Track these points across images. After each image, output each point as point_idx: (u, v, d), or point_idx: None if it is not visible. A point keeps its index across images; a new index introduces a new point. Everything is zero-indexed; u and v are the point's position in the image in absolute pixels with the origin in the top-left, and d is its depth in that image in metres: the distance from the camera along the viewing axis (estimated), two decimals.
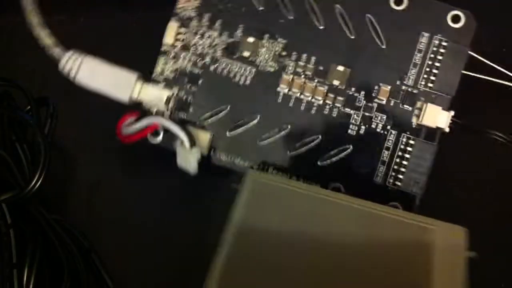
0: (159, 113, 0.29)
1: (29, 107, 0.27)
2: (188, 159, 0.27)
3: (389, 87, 0.28)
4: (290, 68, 0.28)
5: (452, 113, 0.28)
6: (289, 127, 0.28)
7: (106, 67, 0.28)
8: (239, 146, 0.29)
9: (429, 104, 0.28)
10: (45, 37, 0.29)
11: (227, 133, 0.29)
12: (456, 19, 0.28)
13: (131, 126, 0.28)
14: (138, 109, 0.29)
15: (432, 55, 0.28)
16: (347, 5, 0.28)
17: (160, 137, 0.28)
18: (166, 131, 0.28)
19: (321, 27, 0.28)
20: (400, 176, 0.28)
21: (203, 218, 0.29)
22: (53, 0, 0.30)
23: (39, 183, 0.26)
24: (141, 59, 0.29)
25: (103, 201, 0.30)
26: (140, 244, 0.29)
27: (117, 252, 0.28)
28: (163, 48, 0.29)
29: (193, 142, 0.27)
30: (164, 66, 0.29)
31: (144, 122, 0.27)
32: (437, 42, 0.28)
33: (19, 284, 0.25)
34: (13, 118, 0.28)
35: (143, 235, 0.29)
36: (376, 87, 0.28)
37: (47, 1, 0.29)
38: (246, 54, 0.28)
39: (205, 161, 0.28)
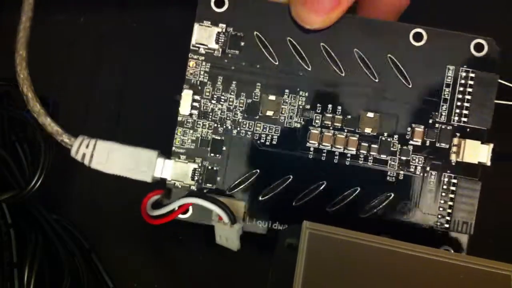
0: (185, 188, 0.27)
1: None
2: (230, 237, 0.25)
3: (422, 127, 0.27)
4: (317, 121, 0.27)
5: (492, 145, 0.27)
6: (324, 183, 0.27)
7: (122, 149, 0.26)
8: (274, 210, 0.27)
9: (467, 140, 0.26)
10: (50, 125, 0.27)
11: (260, 198, 0.27)
12: (479, 47, 0.27)
13: (160, 208, 0.26)
14: (162, 185, 0.27)
15: (461, 88, 0.27)
16: (366, 48, 0.27)
17: (189, 213, 0.27)
18: (197, 206, 0.26)
19: (343, 74, 0.27)
20: (448, 218, 0.27)
21: None
22: (53, 0, 0.30)
23: (39, 183, 0.26)
24: (140, 60, 0.29)
25: (103, 201, 0.29)
26: (140, 244, 0.29)
27: (117, 252, 0.28)
28: (180, 119, 0.27)
29: (234, 218, 0.25)
30: (183, 137, 0.27)
31: (176, 204, 0.25)
32: (464, 74, 0.27)
33: (20, 284, 0.25)
34: (13, 118, 0.28)
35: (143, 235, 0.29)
36: (409, 129, 0.27)
37: (47, 1, 0.29)
38: (269, 113, 0.27)
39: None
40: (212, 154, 0.27)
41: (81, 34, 0.31)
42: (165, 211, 0.26)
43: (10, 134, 0.28)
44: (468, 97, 0.27)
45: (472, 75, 0.27)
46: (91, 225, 0.29)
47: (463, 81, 0.27)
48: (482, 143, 0.27)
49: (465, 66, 0.27)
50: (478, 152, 0.26)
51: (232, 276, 0.29)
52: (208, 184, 0.27)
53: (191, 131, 0.27)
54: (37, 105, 0.27)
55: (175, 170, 0.27)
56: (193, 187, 0.27)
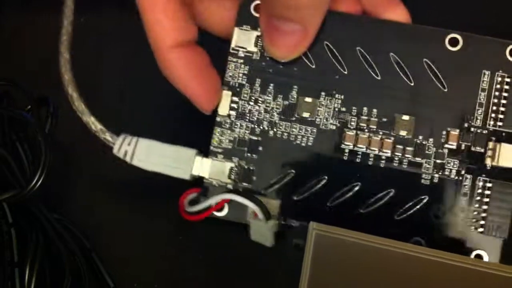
0: (222, 186, 0.27)
1: (29, 106, 0.27)
2: (265, 233, 0.25)
3: (458, 130, 0.27)
4: (352, 123, 0.27)
5: None
6: (359, 184, 0.27)
7: (162, 147, 0.27)
8: (308, 210, 0.27)
9: (503, 144, 0.27)
10: (94, 123, 0.28)
11: (295, 198, 0.27)
12: None
13: (197, 204, 0.27)
14: (199, 183, 0.28)
15: (496, 93, 0.27)
16: (402, 53, 0.27)
17: (225, 211, 0.27)
18: (232, 204, 0.27)
19: (379, 78, 0.27)
20: (482, 222, 0.27)
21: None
22: (53, 0, 0.30)
23: (39, 182, 0.26)
24: (141, 59, 0.28)
25: (103, 200, 0.29)
26: (140, 244, 0.29)
27: (117, 252, 0.28)
28: (218, 119, 0.28)
29: (268, 215, 0.25)
30: (221, 137, 0.28)
31: (213, 200, 0.26)
32: (499, 79, 0.27)
33: (21, 283, 0.25)
34: (13, 118, 0.28)
35: (143, 234, 0.29)
36: (444, 133, 0.27)
37: (47, 1, 0.29)
38: (305, 115, 0.27)
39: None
40: (249, 154, 0.28)
41: (81, 34, 0.31)
42: (202, 207, 0.26)
43: (10, 134, 0.29)
44: (504, 101, 0.27)
45: (508, 79, 0.27)
46: (92, 225, 0.29)
47: (498, 86, 0.27)
48: None
49: (500, 71, 0.27)
50: None
51: (233, 276, 0.29)
52: (244, 183, 0.28)
53: (229, 131, 0.28)
54: (81, 104, 0.28)
55: (212, 169, 0.27)
56: (230, 186, 0.27)
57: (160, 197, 0.29)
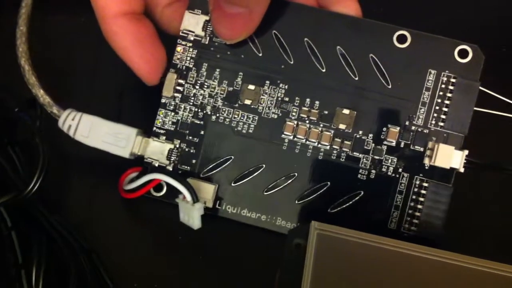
0: (162, 167, 0.28)
1: (17, 109, 0.28)
2: (192, 215, 0.26)
3: (398, 128, 0.27)
4: (293, 114, 0.27)
5: (466, 152, 0.26)
6: (296, 174, 0.27)
7: (105, 124, 0.28)
8: (245, 197, 0.28)
9: (441, 145, 0.26)
10: (42, 96, 0.28)
11: (232, 184, 0.28)
12: (463, 54, 0.27)
13: (132, 183, 0.27)
14: (141, 163, 0.28)
15: (441, 93, 0.27)
16: (348, 46, 0.27)
17: (163, 192, 0.28)
18: (169, 185, 0.27)
19: (323, 70, 0.27)
20: (416, 221, 0.27)
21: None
22: (53, 0, 0.30)
23: (37, 184, 0.26)
24: None
25: (103, 201, 0.29)
26: (141, 245, 0.29)
27: (117, 252, 0.28)
28: (163, 100, 0.28)
29: (196, 197, 0.26)
30: (164, 119, 0.28)
31: (145, 179, 0.26)
32: (445, 79, 0.27)
33: (28, 284, 0.25)
34: (5, 120, 0.28)
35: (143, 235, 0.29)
36: (384, 129, 0.27)
37: (47, 1, 0.30)
38: (247, 102, 0.28)
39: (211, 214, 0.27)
40: (190, 137, 0.28)
41: (81, 34, 0.32)
42: (135, 186, 0.27)
43: (2, 137, 0.28)
44: (447, 102, 0.27)
45: (453, 80, 0.27)
46: (91, 226, 0.29)
47: (443, 86, 0.27)
48: (456, 149, 0.26)
49: (447, 71, 0.27)
50: (451, 157, 0.26)
51: (233, 276, 0.29)
52: (183, 166, 0.28)
53: (173, 113, 0.28)
54: (32, 77, 0.28)
55: (152, 149, 0.28)
56: (169, 167, 0.28)
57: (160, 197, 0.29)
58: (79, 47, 0.32)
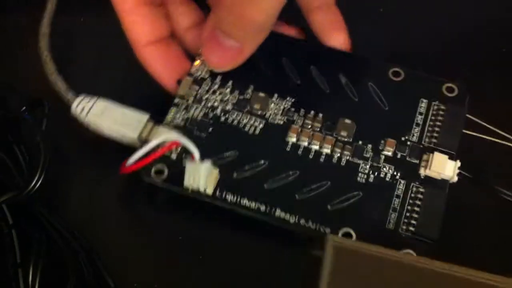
0: (167, 156, 0.28)
1: (24, 108, 0.28)
2: (199, 173, 0.26)
3: (395, 140, 0.29)
4: (298, 122, 0.29)
5: (459, 163, 0.28)
6: (297, 173, 0.28)
7: (118, 107, 0.29)
8: (245, 187, 0.28)
9: (435, 153, 0.28)
10: (59, 82, 0.30)
11: (234, 174, 0.28)
12: (450, 90, 0.30)
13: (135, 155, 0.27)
14: None
15: (432, 117, 0.30)
16: (350, 75, 0.31)
17: (165, 175, 0.28)
18: (171, 168, 0.27)
19: (327, 91, 0.30)
20: (413, 222, 0.27)
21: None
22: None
23: (39, 183, 0.26)
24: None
25: (103, 200, 0.29)
26: (141, 244, 0.28)
27: (117, 252, 0.27)
28: (176, 101, 0.30)
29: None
30: (175, 115, 0.29)
31: (154, 142, 0.27)
32: (436, 107, 0.30)
33: (25, 284, 0.25)
34: (9, 119, 0.28)
35: (144, 234, 0.28)
36: (382, 141, 0.29)
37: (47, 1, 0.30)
38: (256, 106, 0.30)
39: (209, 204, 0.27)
40: (198, 132, 0.29)
41: (81, 34, 0.32)
42: (142, 153, 0.27)
43: (7, 136, 0.29)
44: (439, 123, 0.29)
45: (443, 107, 0.30)
46: (91, 225, 0.28)
47: (434, 112, 0.30)
48: (449, 158, 0.28)
49: (437, 102, 0.30)
50: (444, 166, 0.28)
51: (233, 276, 0.28)
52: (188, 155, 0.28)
53: (184, 112, 0.30)
54: (50, 65, 0.30)
55: (160, 136, 0.28)
56: (173, 155, 0.28)
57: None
58: (79, 47, 0.32)
